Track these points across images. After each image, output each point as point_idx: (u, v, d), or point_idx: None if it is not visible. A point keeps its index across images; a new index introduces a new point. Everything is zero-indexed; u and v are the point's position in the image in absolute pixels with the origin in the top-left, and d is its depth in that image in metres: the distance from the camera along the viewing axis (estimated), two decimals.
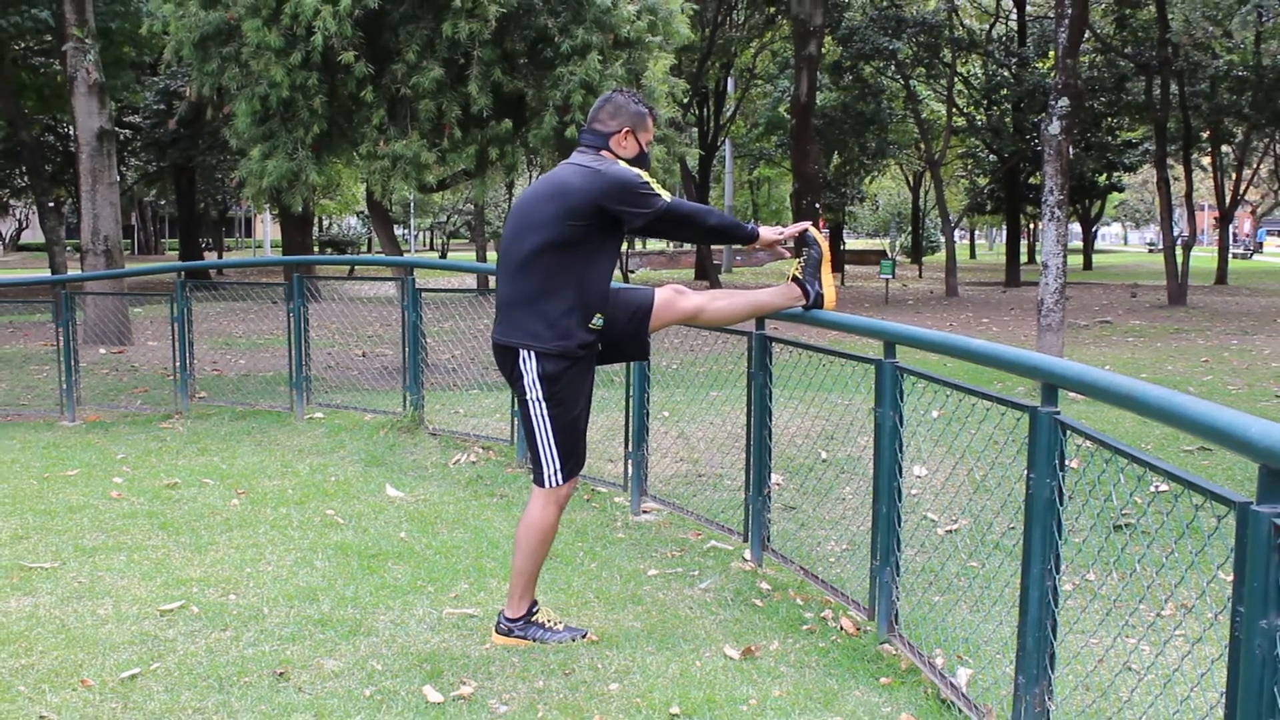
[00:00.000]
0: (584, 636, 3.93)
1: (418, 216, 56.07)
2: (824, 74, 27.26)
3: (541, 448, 3.83)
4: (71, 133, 19.21)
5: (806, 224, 4.24)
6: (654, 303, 3.97)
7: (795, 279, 4.21)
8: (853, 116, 29.80)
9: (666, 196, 3.81)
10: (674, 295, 4.04)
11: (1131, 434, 7.27)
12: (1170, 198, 23.57)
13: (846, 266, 39.91)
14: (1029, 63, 28.62)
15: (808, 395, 5.06)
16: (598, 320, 3.81)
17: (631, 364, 5.60)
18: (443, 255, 53.00)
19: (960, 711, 3.36)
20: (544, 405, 3.78)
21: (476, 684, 3.56)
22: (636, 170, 3.81)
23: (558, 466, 3.84)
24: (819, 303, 4.21)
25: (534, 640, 3.88)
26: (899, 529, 3.89)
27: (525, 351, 3.75)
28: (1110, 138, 32.31)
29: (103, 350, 12.44)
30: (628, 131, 3.91)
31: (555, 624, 3.95)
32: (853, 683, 3.61)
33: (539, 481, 3.87)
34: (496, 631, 3.94)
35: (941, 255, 37.24)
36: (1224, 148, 30.99)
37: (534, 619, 3.93)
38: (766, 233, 4.08)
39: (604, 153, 3.90)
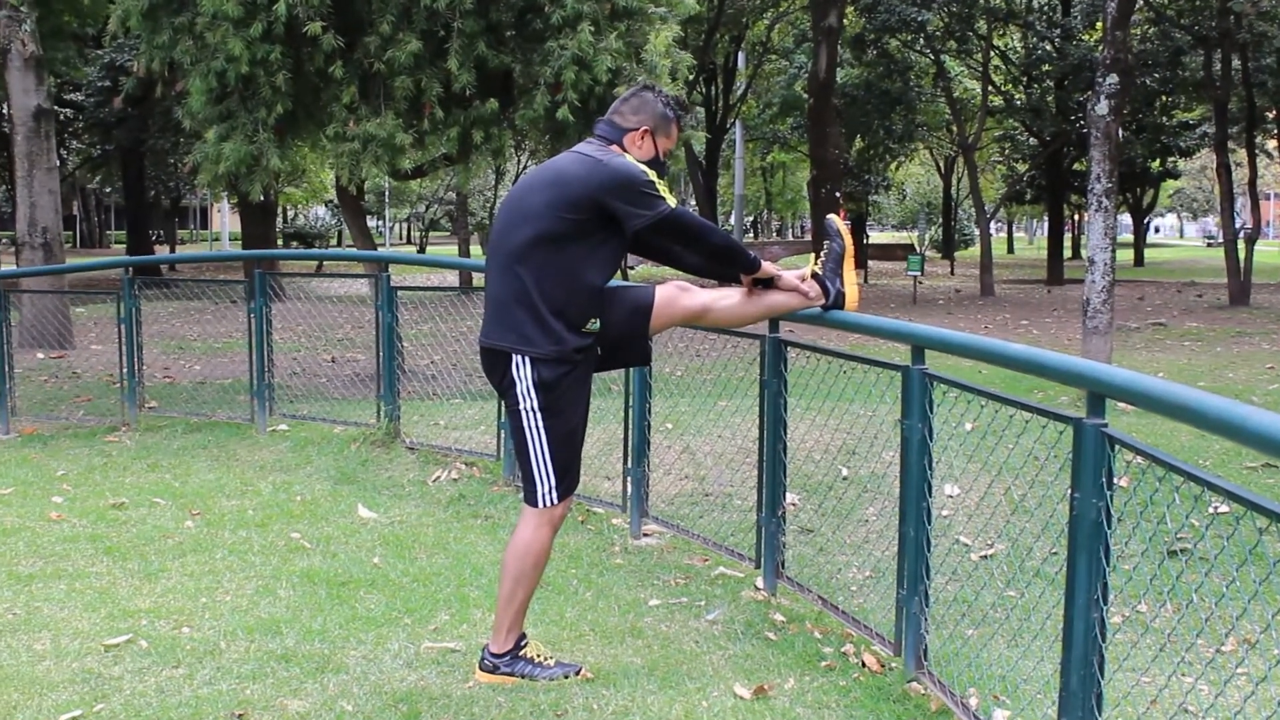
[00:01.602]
0: (577, 673, 3.93)
1: (393, 206, 56.07)
2: (845, 48, 27.32)
3: (535, 463, 3.83)
4: (5, 112, 19.24)
5: (805, 270, 4.22)
6: (655, 301, 3.98)
7: (814, 275, 4.21)
8: (877, 95, 29.83)
9: (672, 202, 3.82)
10: (677, 292, 4.05)
11: (1188, 449, 7.28)
12: (1232, 185, 23.61)
13: (870, 262, 39.92)
14: (1074, 35, 28.67)
15: (827, 405, 5.07)
16: (594, 324, 3.82)
17: (631, 370, 5.61)
18: (421, 249, 53.07)
19: None
20: (539, 416, 3.79)
21: None
22: (643, 168, 3.82)
23: (553, 484, 3.84)
24: (840, 302, 4.21)
25: (522, 677, 3.88)
26: (928, 554, 3.90)
27: (518, 357, 3.76)
28: (1165, 119, 32.33)
29: (41, 355, 12.45)
30: (646, 131, 3.94)
31: (546, 659, 3.95)
32: None
33: (530, 501, 3.88)
34: (481, 668, 3.94)
35: (976, 250, 37.28)
36: None
37: (522, 653, 3.93)
38: (768, 267, 4.08)
39: (614, 147, 3.91)
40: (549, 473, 3.83)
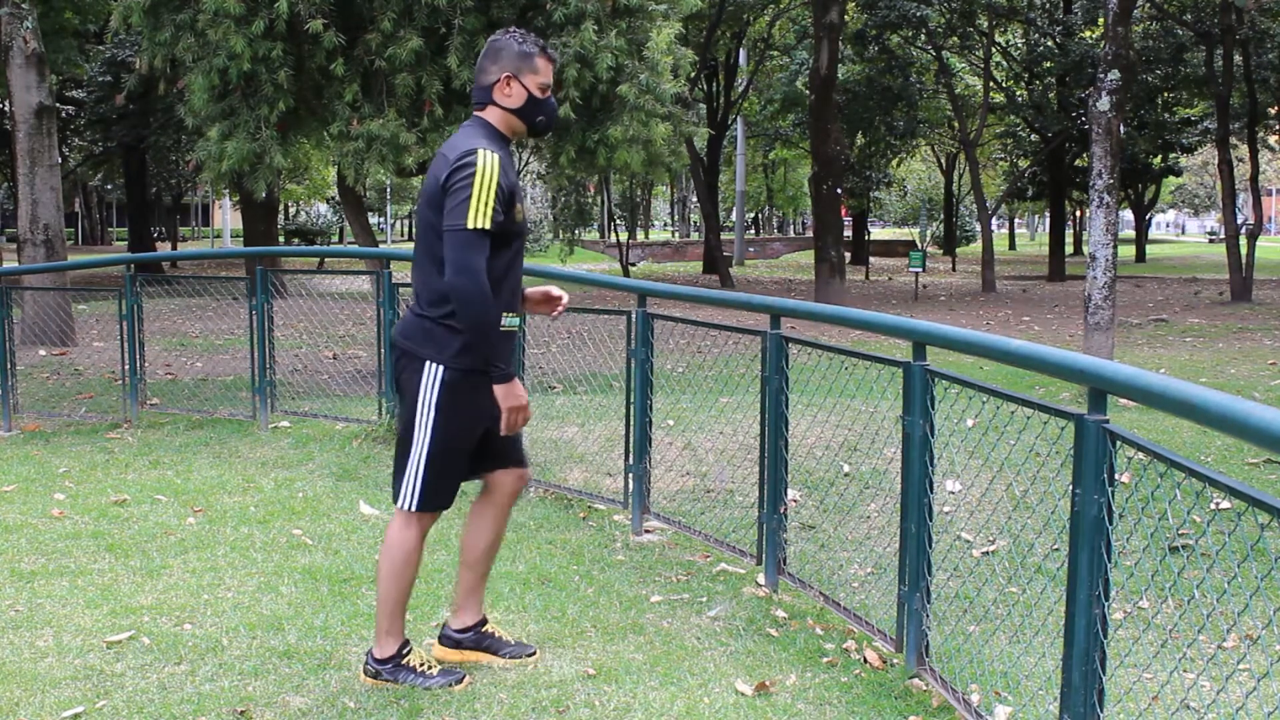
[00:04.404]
0: (460, 681, 3.82)
1: (395, 203, 56.11)
2: (846, 44, 27.28)
3: (411, 461, 3.73)
4: (7, 109, 19.22)
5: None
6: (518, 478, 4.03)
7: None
8: (879, 92, 29.83)
9: (475, 224, 3.53)
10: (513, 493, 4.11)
11: (1190, 445, 7.27)
12: (1234, 181, 23.59)
13: (872, 259, 39.98)
14: (1075, 31, 28.64)
15: (829, 401, 5.08)
16: (508, 319, 3.72)
17: (633, 366, 5.61)
18: None
19: None
20: (433, 414, 3.68)
21: None
22: (482, 180, 3.55)
23: (417, 489, 3.73)
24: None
25: (407, 686, 3.79)
26: (930, 551, 3.90)
27: (430, 364, 3.68)
28: (1166, 115, 32.32)
29: (43, 352, 12.46)
30: (509, 78, 3.72)
31: (429, 668, 3.85)
32: None
33: (394, 498, 3.80)
34: (364, 672, 3.88)
35: (977, 246, 37.28)
36: None
37: (405, 662, 3.84)
38: (500, 391, 3.67)
39: (489, 110, 3.75)
40: (417, 476, 3.72)
